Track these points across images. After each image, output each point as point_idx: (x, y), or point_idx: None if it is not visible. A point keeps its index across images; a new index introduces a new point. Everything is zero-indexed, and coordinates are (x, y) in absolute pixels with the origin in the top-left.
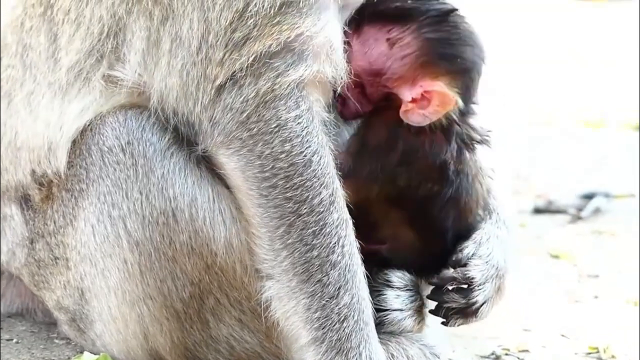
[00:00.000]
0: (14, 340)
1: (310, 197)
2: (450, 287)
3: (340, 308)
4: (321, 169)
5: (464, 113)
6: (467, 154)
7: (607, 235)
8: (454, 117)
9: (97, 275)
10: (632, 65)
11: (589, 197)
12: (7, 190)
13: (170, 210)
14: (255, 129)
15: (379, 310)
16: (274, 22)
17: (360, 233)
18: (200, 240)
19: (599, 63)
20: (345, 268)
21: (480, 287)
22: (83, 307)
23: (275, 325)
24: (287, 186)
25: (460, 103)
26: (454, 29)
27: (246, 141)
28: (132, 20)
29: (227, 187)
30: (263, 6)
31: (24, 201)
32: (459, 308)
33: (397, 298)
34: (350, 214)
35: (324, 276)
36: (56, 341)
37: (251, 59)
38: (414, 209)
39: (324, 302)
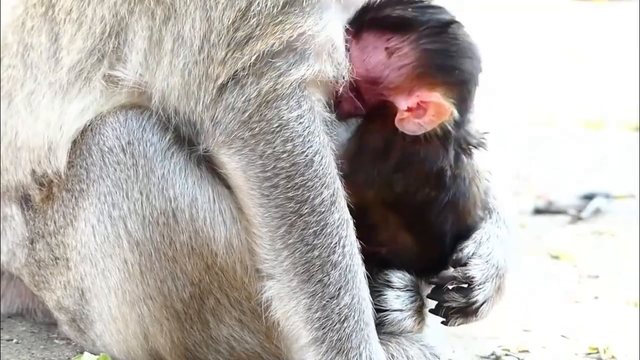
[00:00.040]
0: (14, 341)
1: (311, 197)
2: (450, 287)
3: (340, 308)
4: (322, 168)
5: (461, 122)
6: (465, 159)
7: (607, 236)
8: (449, 127)
9: (98, 275)
10: (632, 65)
11: (589, 197)
12: (7, 190)
13: (171, 211)
14: (257, 129)
15: (379, 310)
16: (276, 21)
17: (360, 234)
18: (200, 241)
19: (599, 63)
20: (346, 268)
21: (480, 287)
22: (83, 308)
23: (276, 326)
24: (289, 186)
25: (456, 114)
26: (453, 40)
27: (248, 141)
28: (134, 19)
29: (228, 187)
30: (266, 5)
31: (25, 201)
32: (459, 307)
33: (397, 298)
34: (350, 214)
35: (324, 276)
36: (56, 341)
37: (253, 58)
38: (411, 214)
39: (324, 302)
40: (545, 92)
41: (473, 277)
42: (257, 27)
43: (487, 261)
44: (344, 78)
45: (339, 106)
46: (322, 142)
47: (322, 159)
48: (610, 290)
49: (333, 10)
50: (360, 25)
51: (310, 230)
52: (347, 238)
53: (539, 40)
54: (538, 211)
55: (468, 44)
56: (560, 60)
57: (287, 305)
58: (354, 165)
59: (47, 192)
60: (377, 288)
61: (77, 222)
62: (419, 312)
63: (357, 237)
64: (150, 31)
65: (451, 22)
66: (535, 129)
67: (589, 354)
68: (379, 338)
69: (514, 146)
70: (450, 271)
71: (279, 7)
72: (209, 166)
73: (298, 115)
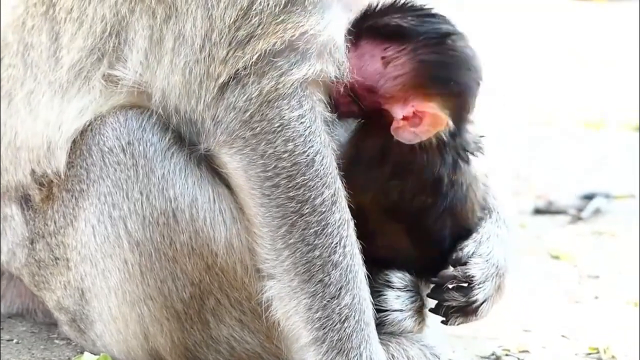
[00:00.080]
0: (14, 341)
1: (312, 196)
2: (450, 286)
3: (341, 308)
4: (323, 168)
5: (458, 131)
6: (462, 165)
7: (607, 236)
8: (444, 137)
9: (98, 275)
10: (632, 65)
11: (589, 197)
12: (7, 190)
13: (171, 211)
14: (258, 128)
15: (380, 310)
16: (278, 20)
17: (360, 234)
18: (200, 241)
19: (599, 63)
20: (347, 268)
21: (480, 286)
22: (83, 308)
23: (276, 326)
24: (290, 186)
25: (451, 124)
26: (450, 51)
27: (249, 140)
28: (135, 18)
29: (228, 187)
30: (268, 4)
31: (25, 201)
32: (459, 306)
33: (397, 299)
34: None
35: (325, 276)
36: (56, 341)
37: (255, 57)
38: (409, 220)
39: (325, 302)
40: (545, 92)
41: (473, 276)
42: (258, 26)
43: (487, 260)
44: (345, 78)
45: (337, 106)
46: (323, 141)
47: (323, 158)
48: (611, 291)
49: (334, 9)
50: (359, 33)
51: (311, 230)
52: (347, 238)
53: (539, 40)
54: (538, 211)
55: (466, 56)
56: (560, 60)
57: (287, 305)
58: (351, 171)
59: (47, 192)
60: (377, 288)
61: (77, 222)
62: (419, 312)
63: (357, 238)
64: (151, 30)
65: (449, 33)
66: (535, 129)
67: (589, 354)
68: (379, 338)
69: (514, 146)
70: (450, 270)
71: (281, 6)
72: (209, 166)
73: (299, 115)
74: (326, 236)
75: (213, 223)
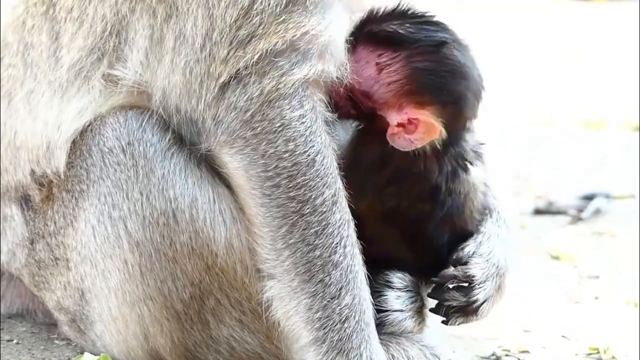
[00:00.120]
0: (15, 341)
1: (313, 196)
2: (450, 286)
3: (341, 308)
4: (324, 168)
5: (455, 140)
6: (460, 174)
7: (607, 236)
8: (439, 145)
9: (98, 276)
10: (632, 65)
11: (589, 198)
12: (7, 190)
13: (171, 211)
14: (259, 128)
15: (380, 311)
16: (279, 20)
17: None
18: (200, 241)
19: (599, 63)
20: (347, 268)
21: (480, 286)
22: (83, 308)
23: (276, 326)
24: (290, 186)
25: (444, 133)
26: (445, 60)
27: (250, 140)
28: (136, 18)
29: (228, 187)
30: (269, 4)
31: (24, 202)
32: (459, 306)
33: (397, 299)
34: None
35: (325, 276)
36: (56, 342)
37: (256, 57)
38: (406, 227)
39: (325, 302)
40: (545, 92)
41: (473, 276)
42: (260, 25)
43: (487, 260)
44: (345, 79)
45: (337, 107)
46: (323, 142)
47: (323, 158)
48: (611, 291)
49: (335, 9)
50: (357, 37)
51: (312, 230)
52: (348, 238)
53: (539, 40)
54: (538, 211)
55: (462, 65)
56: (560, 60)
57: (287, 305)
58: (349, 176)
59: (47, 192)
60: (377, 288)
61: (77, 222)
62: (420, 312)
63: (357, 238)
64: (151, 29)
65: (445, 42)
66: (535, 129)
67: (589, 354)
68: (380, 338)
69: (514, 146)
70: (451, 270)
71: (282, 6)
72: (209, 166)
73: (300, 115)
74: (327, 236)
75: (213, 223)
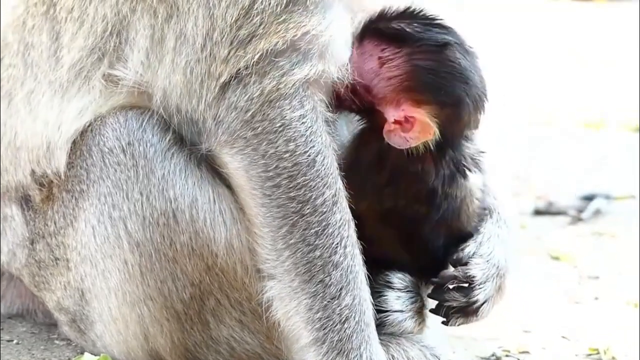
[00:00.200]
0: (15, 342)
1: (313, 197)
2: (451, 286)
3: (341, 309)
4: (325, 169)
5: (452, 143)
6: (458, 179)
7: (607, 237)
8: (432, 146)
9: (98, 276)
10: (632, 66)
11: (589, 198)
12: (7, 190)
13: (171, 211)
14: (259, 128)
15: (380, 311)
16: (280, 20)
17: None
18: (200, 241)
19: (599, 63)
20: (347, 269)
21: (481, 286)
22: (83, 308)
23: (276, 326)
24: (291, 186)
25: (438, 134)
26: (447, 61)
27: (250, 140)
28: (136, 18)
29: (228, 187)
30: (270, 4)
31: (25, 202)
32: (459, 307)
33: (397, 299)
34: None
35: (326, 277)
36: (56, 342)
37: (256, 57)
38: (403, 229)
39: (325, 302)
40: (545, 92)
41: (474, 277)
42: (260, 25)
43: (487, 261)
44: (347, 78)
45: (338, 98)
46: (324, 142)
47: (324, 159)
48: (611, 291)
49: (336, 9)
50: (364, 32)
51: (312, 231)
52: (348, 239)
53: (539, 40)
54: (538, 212)
55: (463, 69)
56: (560, 60)
57: (288, 305)
58: (349, 176)
59: (47, 192)
60: (377, 289)
61: (77, 222)
62: (420, 313)
63: (357, 238)
64: (152, 29)
65: (449, 44)
66: (535, 129)
67: (589, 354)
68: (380, 339)
69: (514, 146)
70: (451, 270)
71: (283, 6)
72: (209, 166)
73: (301, 115)
74: (327, 236)
75: (213, 223)
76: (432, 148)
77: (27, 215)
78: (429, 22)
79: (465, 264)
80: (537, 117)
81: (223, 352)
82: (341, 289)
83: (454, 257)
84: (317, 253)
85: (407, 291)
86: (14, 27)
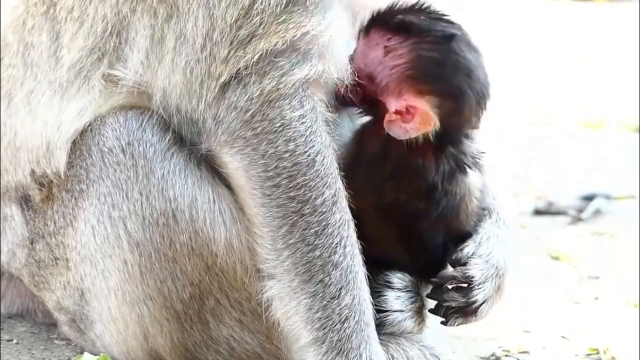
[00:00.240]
0: (14, 341)
1: (313, 197)
2: (450, 286)
3: (341, 309)
4: (324, 169)
5: (452, 137)
6: (458, 176)
7: (607, 237)
8: (431, 137)
9: (97, 276)
10: (632, 66)
11: (589, 198)
12: (7, 190)
13: (171, 211)
14: (259, 128)
15: (380, 311)
16: (279, 20)
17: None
18: (200, 241)
19: (599, 63)
20: (347, 269)
21: (480, 286)
22: (83, 308)
23: (276, 326)
24: (291, 186)
25: (438, 125)
26: (452, 53)
27: (250, 140)
28: (136, 18)
29: (228, 187)
30: (269, 4)
31: (24, 201)
32: (458, 307)
33: (397, 299)
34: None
35: (325, 276)
36: (56, 342)
37: (256, 57)
38: (402, 225)
39: (325, 302)
40: (545, 92)
41: (473, 277)
42: (260, 25)
43: (486, 261)
44: (346, 79)
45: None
46: (324, 142)
47: (324, 159)
48: (611, 291)
49: (336, 10)
50: (371, 23)
51: (312, 230)
52: (348, 238)
53: (539, 40)
54: (538, 212)
55: (467, 62)
56: (560, 60)
57: (287, 305)
58: (351, 170)
59: (47, 192)
60: (377, 289)
61: (77, 222)
62: (419, 312)
63: (357, 238)
64: (152, 29)
65: (455, 36)
66: (535, 129)
67: (589, 354)
68: (379, 339)
69: (514, 146)
70: (450, 271)
71: (282, 6)
72: (208, 166)
73: (300, 115)
74: (327, 236)
75: (213, 223)
76: (432, 140)
77: (26, 215)
78: (437, 17)
79: (465, 264)
80: (537, 117)
81: (223, 352)
82: (341, 288)
83: (453, 257)
84: (317, 253)
85: (407, 291)
86: (14, 27)
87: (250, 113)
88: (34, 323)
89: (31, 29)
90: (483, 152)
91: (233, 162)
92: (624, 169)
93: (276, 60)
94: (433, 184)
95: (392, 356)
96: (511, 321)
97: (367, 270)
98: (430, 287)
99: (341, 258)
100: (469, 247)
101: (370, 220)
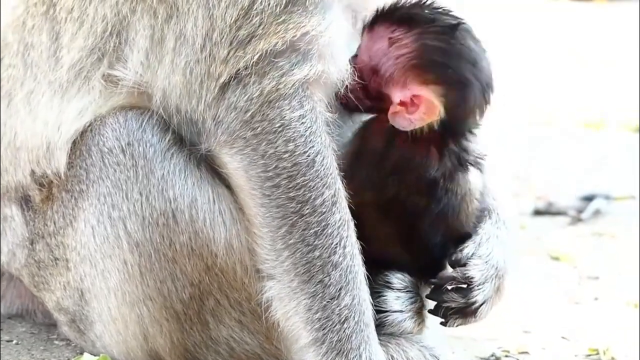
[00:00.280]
0: (14, 342)
1: (312, 197)
2: (449, 287)
3: (341, 309)
4: (324, 169)
5: (455, 131)
6: (459, 174)
7: (607, 237)
8: (436, 126)
9: (97, 276)
10: (632, 66)
11: (589, 199)
12: (7, 191)
13: (170, 212)
14: (259, 129)
15: (379, 311)
16: (279, 20)
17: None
18: (200, 241)
19: (599, 63)
20: (347, 269)
21: (479, 287)
22: (83, 308)
23: (276, 326)
24: (290, 186)
25: (443, 114)
26: (456, 42)
27: (250, 140)
28: (136, 18)
29: (228, 187)
30: (269, 4)
31: (25, 202)
32: (458, 308)
33: (397, 299)
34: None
35: (325, 277)
36: (56, 342)
37: (256, 57)
38: (403, 222)
39: (324, 302)
40: (545, 92)
41: (472, 278)
42: (259, 26)
43: (486, 262)
44: (346, 79)
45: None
46: (323, 142)
47: (323, 159)
48: (610, 292)
49: (335, 10)
50: (376, 18)
51: (311, 231)
52: (347, 239)
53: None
54: (538, 212)
55: (472, 51)
56: (560, 60)
57: (287, 305)
58: (354, 166)
59: (47, 192)
60: (377, 289)
61: (77, 222)
62: (419, 313)
63: (357, 238)
64: (152, 30)
65: (460, 24)
66: (535, 129)
67: (589, 355)
68: (379, 339)
69: (514, 146)
70: (450, 271)
71: (282, 6)
72: (208, 167)
73: (300, 115)
74: (326, 237)
75: (213, 224)
76: (437, 131)
77: (26, 216)
78: (441, 10)
79: (464, 265)
80: (537, 117)
81: (222, 352)
82: (340, 289)
83: (453, 258)
84: (317, 253)
85: (407, 291)
86: (13, 27)
87: (250, 113)
88: (34, 323)
89: (31, 29)
90: (484, 154)
91: (233, 163)
92: (624, 169)
93: (276, 60)
94: (435, 180)
95: (392, 356)
96: (511, 321)
97: (367, 271)
98: (430, 287)
99: (341, 258)
100: (468, 248)
101: (370, 218)
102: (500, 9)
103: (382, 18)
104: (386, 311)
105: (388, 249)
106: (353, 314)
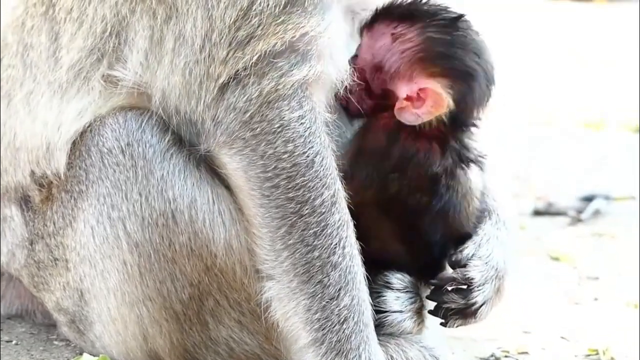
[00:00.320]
0: (14, 342)
1: (312, 197)
2: (449, 288)
3: (340, 309)
4: (323, 169)
5: (461, 128)
6: (460, 172)
7: (607, 238)
8: (444, 119)
9: (97, 276)
10: (632, 66)
11: (589, 199)
12: (7, 191)
13: (170, 212)
14: (258, 129)
15: (379, 311)
16: (278, 21)
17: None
18: (199, 242)
19: (599, 63)
20: (346, 269)
21: (479, 288)
22: (82, 309)
23: (275, 327)
24: (289, 186)
25: (452, 105)
26: (460, 34)
27: (249, 141)
28: (136, 19)
29: (227, 188)
30: (268, 5)
31: (24, 202)
32: (458, 309)
33: (396, 300)
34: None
35: (324, 277)
36: (55, 343)
37: (255, 58)
38: (403, 219)
39: (324, 303)
40: (545, 92)
41: (472, 279)
42: (258, 26)
43: (486, 263)
44: (346, 80)
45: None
46: (323, 142)
47: (323, 159)
48: (610, 292)
49: (335, 11)
50: (375, 17)
51: (311, 231)
52: (347, 239)
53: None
54: (538, 212)
55: (475, 42)
56: (560, 60)
57: (286, 306)
58: (356, 164)
59: (46, 193)
60: (376, 289)
61: (76, 223)
62: (419, 313)
63: (356, 239)
64: (151, 30)
65: (462, 16)
66: (535, 129)
67: (589, 355)
68: (379, 339)
69: (514, 146)
70: (450, 272)
71: (281, 7)
72: (208, 167)
73: (299, 115)
74: (325, 237)
75: (212, 224)
76: (444, 122)
77: (26, 216)
78: (439, 5)
79: (464, 265)
80: (537, 117)
81: (222, 352)
82: (340, 289)
83: (453, 259)
84: (316, 254)
85: (406, 292)
86: (13, 28)
87: (249, 114)
88: (34, 324)
89: (30, 30)
90: (485, 155)
91: (232, 163)
92: (624, 169)
93: (275, 61)
94: (436, 176)
95: (392, 357)
96: (511, 322)
97: (367, 271)
98: (430, 288)
99: (340, 259)
100: (468, 249)
101: (370, 218)
102: (500, 9)
103: (382, 16)
104: (386, 311)
105: (388, 248)
106: (352, 314)
